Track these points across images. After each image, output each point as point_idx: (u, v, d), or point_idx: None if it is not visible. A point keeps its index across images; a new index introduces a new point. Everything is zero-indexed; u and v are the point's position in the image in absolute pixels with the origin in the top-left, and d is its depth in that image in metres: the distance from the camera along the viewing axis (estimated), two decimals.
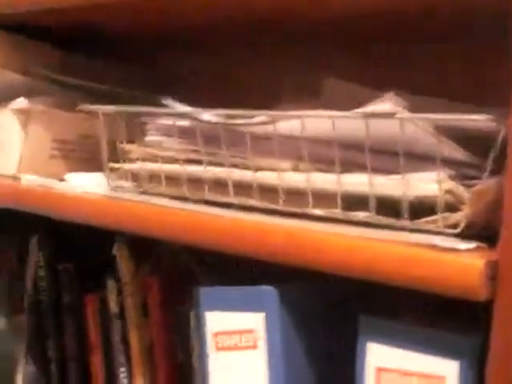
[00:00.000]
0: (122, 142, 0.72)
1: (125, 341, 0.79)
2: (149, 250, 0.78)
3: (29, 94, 0.86)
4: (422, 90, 0.70)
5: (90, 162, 0.86)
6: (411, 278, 0.48)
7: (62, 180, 0.80)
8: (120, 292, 0.78)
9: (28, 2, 0.81)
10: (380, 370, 0.53)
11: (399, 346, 0.52)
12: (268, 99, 0.75)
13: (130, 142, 0.73)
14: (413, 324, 0.53)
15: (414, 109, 0.54)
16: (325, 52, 0.87)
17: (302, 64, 0.90)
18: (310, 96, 0.76)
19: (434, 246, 0.49)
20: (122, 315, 0.79)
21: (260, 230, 0.57)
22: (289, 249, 0.55)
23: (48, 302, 0.91)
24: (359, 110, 0.54)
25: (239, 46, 0.95)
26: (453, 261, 0.47)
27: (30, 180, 0.80)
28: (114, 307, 0.79)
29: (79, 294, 0.88)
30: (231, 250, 0.59)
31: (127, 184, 0.73)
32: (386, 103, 0.53)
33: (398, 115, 0.52)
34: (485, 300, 0.46)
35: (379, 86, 0.62)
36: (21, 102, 0.85)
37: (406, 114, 0.52)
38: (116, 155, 0.74)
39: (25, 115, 0.85)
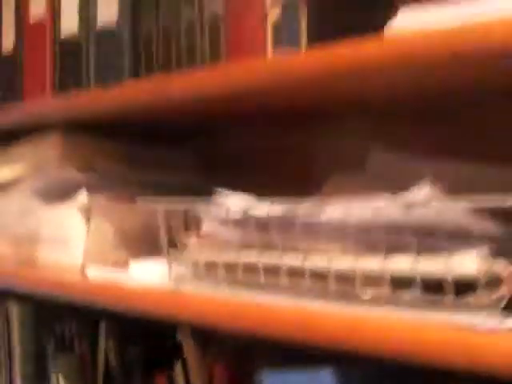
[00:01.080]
0: (179, 233, 0.77)
1: None
2: (213, 333, 0.82)
3: (90, 189, 0.93)
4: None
5: (152, 248, 0.91)
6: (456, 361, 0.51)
7: (126, 268, 0.85)
8: (186, 374, 0.82)
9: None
10: None
11: None
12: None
13: (188, 230, 0.78)
14: None
15: (455, 185, 0.57)
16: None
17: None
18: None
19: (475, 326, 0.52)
20: None
21: (309, 316, 0.61)
22: (340, 334, 0.59)
23: None
24: (398, 200, 0.57)
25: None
26: (495, 341, 0.50)
27: (95, 273, 0.85)
28: None
29: (148, 374, 0.93)
30: (288, 338, 0.62)
31: (186, 272, 0.78)
32: (425, 189, 0.56)
33: (432, 204, 0.56)
34: None
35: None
36: (82, 198, 0.92)
37: (440, 204, 0.56)
38: (175, 246, 0.78)
39: (87, 210, 0.91)
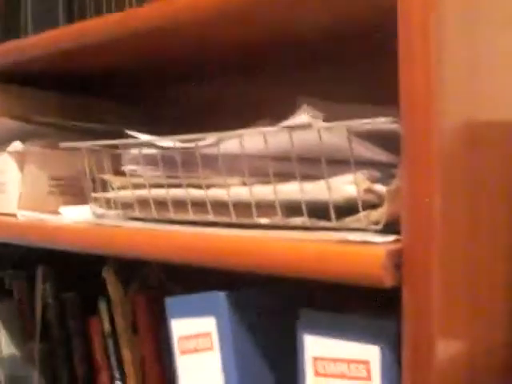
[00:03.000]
0: (103, 174, 0.79)
1: (119, 357, 0.85)
2: (135, 271, 0.84)
3: (26, 137, 0.94)
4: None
5: (84, 196, 0.92)
6: (329, 272, 0.53)
7: (57, 214, 0.86)
8: (111, 312, 0.85)
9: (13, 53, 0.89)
10: (316, 359, 0.57)
11: (330, 336, 0.57)
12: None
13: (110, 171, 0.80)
14: (342, 316, 0.57)
15: (330, 116, 0.59)
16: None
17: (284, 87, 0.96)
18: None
19: (350, 242, 0.54)
20: (114, 334, 0.85)
21: (213, 241, 0.63)
22: (238, 256, 0.61)
23: (56, 329, 0.97)
24: (281, 124, 0.59)
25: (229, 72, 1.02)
26: (361, 253, 0.51)
27: (25, 216, 0.87)
28: (107, 327, 0.85)
29: (83, 318, 0.95)
30: (195, 262, 0.64)
31: (108, 211, 0.79)
32: (303, 115, 0.58)
33: (314, 126, 0.57)
34: (392, 287, 0.51)
35: None
36: (16, 146, 0.93)
37: (321, 124, 0.57)
38: (100, 186, 0.80)
39: (21, 157, 0.93)
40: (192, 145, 0.68)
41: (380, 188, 0.57)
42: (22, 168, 0.93)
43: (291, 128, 0.59)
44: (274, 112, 0.76)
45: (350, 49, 0.84)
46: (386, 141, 0.59)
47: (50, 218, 0.84)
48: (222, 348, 0.64)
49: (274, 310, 0.69)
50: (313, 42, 0.81)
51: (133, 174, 0.77)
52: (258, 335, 0.66)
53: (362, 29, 0.75)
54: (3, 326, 1.02)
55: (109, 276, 0.84)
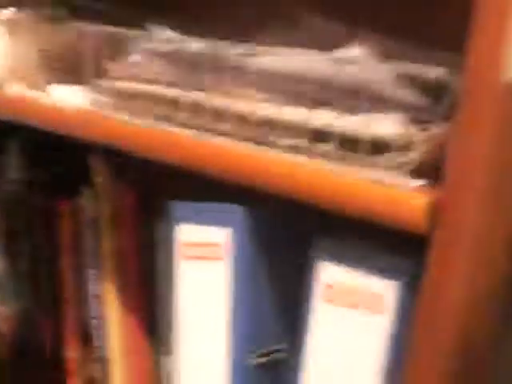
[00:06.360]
0: (105, 61, 0.77)
1: (97, 246, 0.85)
2: (126, 163, 0.83)
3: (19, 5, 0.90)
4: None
5: (73, 75, 0.90)
6: (361, 209, 0.55)
7: (44, 91, 0.84)
8: (96, 200, 0.84)
9: None
10: (328, 286, 0.60)
11: (346, 265, 0.59)
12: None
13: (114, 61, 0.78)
14: (361, 247, 0.60)
15: (382, 53, 0.59)
16: None
17: None
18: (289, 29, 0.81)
19: (384, 182, 0.55)
20: (96, 222, 0.85)
21: (228, 153, 0.63)
22: (256, 173, 0.61)
23: (20, 203, 0.96)
24: (330, 55, 0.59)
25: None
26: (398, 195, 0.53)
27: (13, 89, 0.84)
28: (88, 214, 0.85)
29: (52, 198, 0.93)
30: (201, 169, 0.65)
31: (107, 100, 0.78)
32: (356, 49, 0.58)
33: (364, 62, 0.58)
34: (425, 233, 0.53)
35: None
36: (8, 13, 0.89)
37: (371, 62, 0.58)
38: (99, 73, 0.78)
39: (12, 25, 0.89)
40: (225, 52, 0.67)
41: (416, 132, 0.59)
42: (12, 36, 0.89)
43: (338, 60, 0.59)
44: None
45: None
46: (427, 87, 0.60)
47: (40, 95, 0.82)
48: (233, 260, 0.65)
49: (289, 233, 0.70)
50: None
51: (142, 68, 0.75)
52: (271, 254, 0.68)
53: None
54: None
55: (96, 164, 0.83)
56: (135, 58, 0.76)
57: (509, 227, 0.60)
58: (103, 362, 0.86)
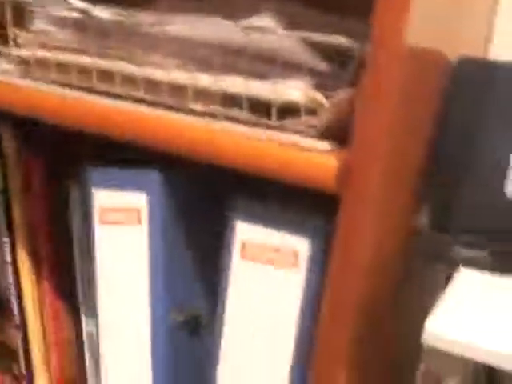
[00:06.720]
0: (10, 28, 0.76)
1: (7, 215, 0.85)
2: (35, 131, 0.83)
3: None
4: None
5: None
6: (273, 170, 0.58)
7: None
8: (4, 169, 0.83)
9: None
10: (245, 244, 0.63)
11: (262, 223, 0.62)
12: None
13: (19, 27, 0.77)
14: (276, 206, 0.63)
15: (289, 22, 0.62)
16: None
17: None
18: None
19: (296, 144, 0.58)
20: (5, 191, 0.84)
21: (143, 119, 0.64)
22: (170, 138, 0.63)
23: None
24: (240, 24, 0.61)
25: None
26: (310, 157, 0.57)
27: None
28: None
29: None
30: (116, 136, 0.66)
31: (15, 68, 0.77)
32: (264, 18, 0.60)
33: (272, 31, 0.60)
34: (335, 192, 0.56)
35: None
36: None
37: (280, 32, 0.60)
38: (6, 40, 0.77)
39: None
40: (132, 20, 0.68)
41: (322, 97, 0.62)
42: None
43: (248, 28, 0.61)
44: None
45: None
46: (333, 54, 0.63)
47: None
48: (150, 224, 0.67)
49: (207, 195, 0.73)
50: None
51: (50, 35, 0.75)
52: (189, 218, 0.70)
53: None
54: None
55: (5, 131, 0.82)
56: (41, 25, 0.76)
57: (412, 187, 0.65)
58: (21, 329, 0.87)
